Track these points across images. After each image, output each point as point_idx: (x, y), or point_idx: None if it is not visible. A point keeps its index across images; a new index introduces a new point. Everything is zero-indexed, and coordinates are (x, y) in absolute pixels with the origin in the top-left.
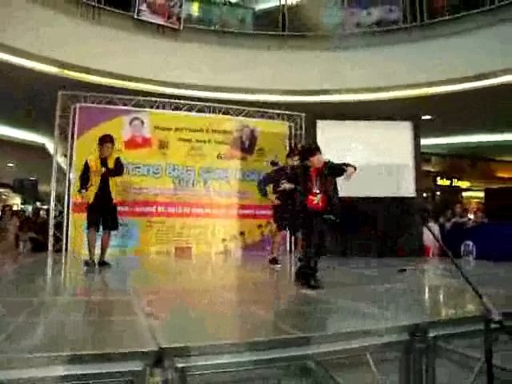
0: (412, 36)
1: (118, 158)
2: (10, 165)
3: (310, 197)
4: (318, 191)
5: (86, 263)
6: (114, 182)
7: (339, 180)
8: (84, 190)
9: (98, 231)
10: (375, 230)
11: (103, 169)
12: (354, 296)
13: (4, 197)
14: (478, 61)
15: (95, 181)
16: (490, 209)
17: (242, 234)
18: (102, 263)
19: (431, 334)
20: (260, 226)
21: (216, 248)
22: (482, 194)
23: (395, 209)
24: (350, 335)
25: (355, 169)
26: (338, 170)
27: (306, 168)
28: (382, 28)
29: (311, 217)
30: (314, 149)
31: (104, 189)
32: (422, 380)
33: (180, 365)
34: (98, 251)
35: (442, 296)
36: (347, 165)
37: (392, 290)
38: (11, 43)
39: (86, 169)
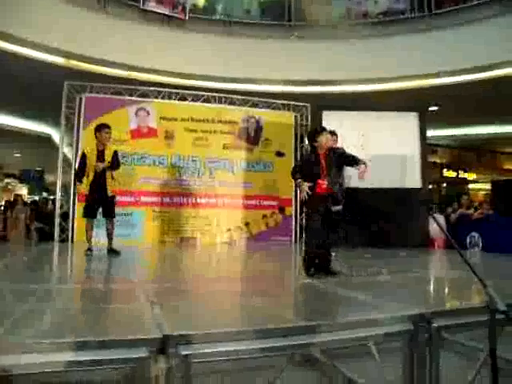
0: (419, 26)
1: (115, 152)
2: (17, 155)
3: (319, 181)
4: (327, 175)
5: (86, 252)
6: (110, 175)
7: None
8: (79, 183)
9: (94, 218)
10: (374, 221)
11: (100, 165)
12: (359, 286)
13: (11, 187)
14: (485, 51)
15: (91, 172)
16: (497, 201)
17: (246, 224)
18: (111, 251)
19: (435, 324)
20: (265, 217)
21: (221, 238)
22: (488, 186)
23: (399, 200)
24: (353, 324)
25: (366, 166)
26: (351, 159)
27: (316, 154)
28: (388, 18)
29: (319, 205)
30: (320, 129)
31: (99, 181)
32: (425, 370)
33: (184, 352)
34: (104, 240)
35: (445, 286)
36: (359, 160)
37: (394, 280)
38: (17, 33)
39: (83, 160)
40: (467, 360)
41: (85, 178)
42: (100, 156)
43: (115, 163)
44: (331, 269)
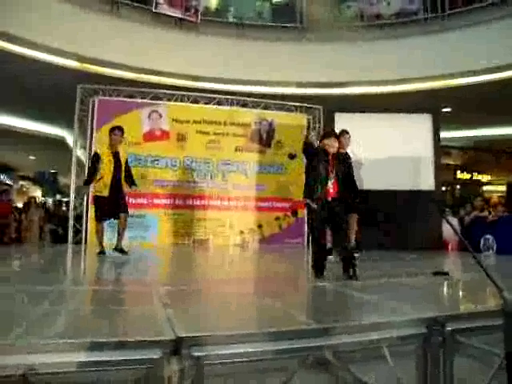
0: (432, 27)
1: (127, 163)
2: (32, 158)
3: (329, 183)
4: (332, 177)
5: (99, 253)
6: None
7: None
8: (87, 185)
9: (106, 220)
10: (386, 223)
11: (133, 188)
12: (371, 289)
13: (25, 189)
14: (499, 51)
15: (107, 173)
16: None
17: (259, 226)
18: (119, 250)
19: (449, 328)
20: (277, 219)
21: (234, 240)
22: (503, 188)
23: (412, 202)
24: (366, 327)
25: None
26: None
27: (327, 153)
28: (401, 19)
29: (322, 206)
30: (329, 132)
31: (117, 182)
32: (439, 374)
33: (197, 354)
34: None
35: (460, 289)
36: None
37: (407, 283)
38: (30, 37)
39: (96, 160)
40: (482, 364)
41: (100, 180)
42: (115, 157)
43: (132, 181)
44: (354, 272)
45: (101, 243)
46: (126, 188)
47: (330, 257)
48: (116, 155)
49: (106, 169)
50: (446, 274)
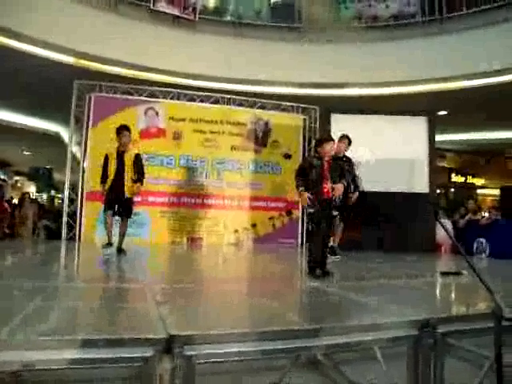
0: (430, 30)
1: (137, 156)
2: (27, 153)
3: (324, 185)
4: (328, 180)
5: (104, 245)
6: (130, 179)
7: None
8: (103, 184)
9: (113, 216)
10: (380, 225)
11: (136, 185)
12: (364, 290)
13: (20, 185)
14: (495, 56)
15: (111, 172)
16: (506, 207)
17: (253, 225)
18: (119, 250)
19: (440, 330)
20: (271, 218)
21: (228, 239)
22: (497, 192)
23: (406, 204)
24: (358, 328)
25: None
26: (352, 180)
27: (320, 158)
28: (399, 22)
29: (323, 207)
30: (326, 138)
31: (118, 182)
32: (429, 376)
33: (189, 352)
34: (115, 238)
35: (452, 292)
36: (357, 187)
37: (399, 284)
38: (28, 32)
39: (106, 163)
40: (473, 366)
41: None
42: (118, 157)
43: (141, 174)
44: (326, 268)
45: (109, 236)
46: (128, 191)
47: (334, 257)
48: (121, 155)
49: (111, 168)
50: (458, 273)
